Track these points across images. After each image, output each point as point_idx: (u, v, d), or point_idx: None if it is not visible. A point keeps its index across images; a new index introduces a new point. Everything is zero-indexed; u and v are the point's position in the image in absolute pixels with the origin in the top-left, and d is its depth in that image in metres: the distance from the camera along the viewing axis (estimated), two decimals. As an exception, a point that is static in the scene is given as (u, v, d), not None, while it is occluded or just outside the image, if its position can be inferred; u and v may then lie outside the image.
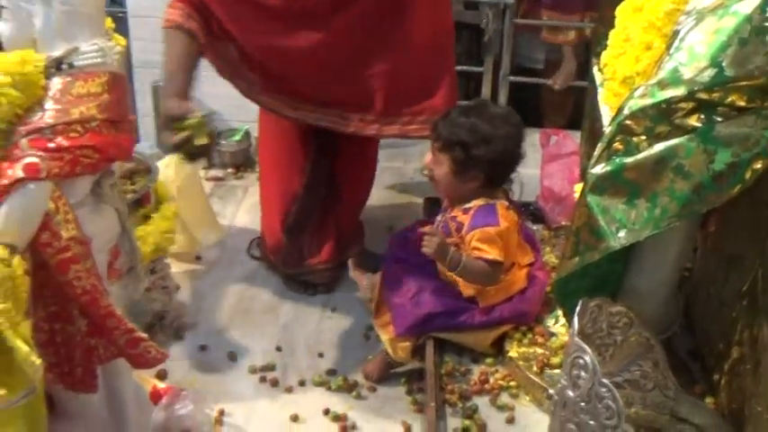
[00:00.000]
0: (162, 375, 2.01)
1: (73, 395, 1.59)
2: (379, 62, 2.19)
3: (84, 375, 1.54)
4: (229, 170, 3.16)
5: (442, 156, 2.02)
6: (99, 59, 1.47)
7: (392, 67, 2.19)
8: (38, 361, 1.26)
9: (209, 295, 2.40)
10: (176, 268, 2.42)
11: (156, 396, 1.83)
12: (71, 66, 1.44)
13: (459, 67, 2.63)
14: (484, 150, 1.97)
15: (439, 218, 2.14)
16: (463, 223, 2.02)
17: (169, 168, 2.46)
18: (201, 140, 1.92)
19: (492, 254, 1.97)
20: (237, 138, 3.17)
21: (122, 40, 1.60)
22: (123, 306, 1.74)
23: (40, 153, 1.36)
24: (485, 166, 1.99)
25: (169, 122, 1.95)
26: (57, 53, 1.44)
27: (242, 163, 3.18)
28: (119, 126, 1.48)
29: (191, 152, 1.97)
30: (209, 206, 2.64)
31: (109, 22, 1.58)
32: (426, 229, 2.03)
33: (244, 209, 2.89)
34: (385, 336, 2.07)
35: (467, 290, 2.05)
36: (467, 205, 2.04)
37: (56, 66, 1.43)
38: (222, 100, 3.13)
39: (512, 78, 3.52)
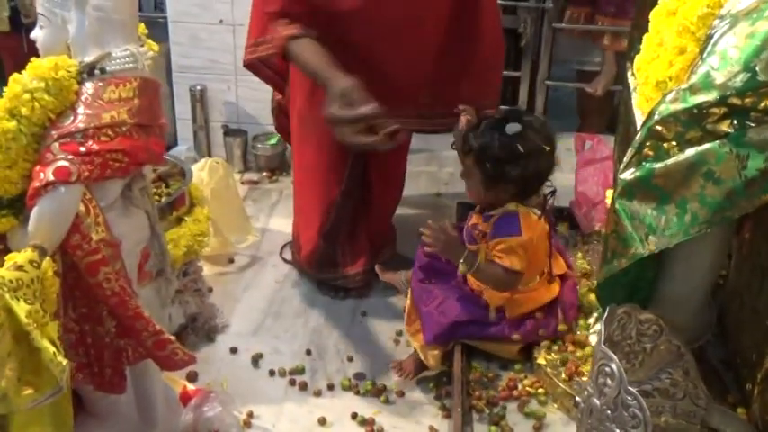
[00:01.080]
0: (192, 377, 2.03)
1: (102, 395, 1.62)
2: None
3: (112, 376, 1.57)
4: (264, 174, 3.19)
5: (471, 167, 1.98)
6: (131, 65, 1.49)
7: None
8: (64, 361, 1.29)
9: (241, 298, 2.43)
10: (209, 271, 2.45)
11: (185, 398, 1.85)
12: (103, 71, 1.47)
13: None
14: (516, 167, 1.92)
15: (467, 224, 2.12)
16: (486, 232, 2.00)
17: (203, 171, 2.50)
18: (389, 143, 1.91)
19: (510, 262, 1.94)
20: (273, 142, 3.20)
21: (155, 46, 1.62)
22: (159, 307, 1.77)
23: (71, 157, 1.39)
24: (517, 181, 1.95)
25: (341, 103, 1.90)
26: (89, 58, 1.47)
27: (277, 167, 3.21)
28: (149, 130, 1.50)
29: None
30: (242, 209, 2.67)
31: (142, 28, 1.60)
32: (431, 224, 1.99)
33: (278, 212, 2.92)
34: (416, 343, 2.07)
35: (493, 300, 2.03)
36: (488, 212, 2.01)
37: (88, 71, 1.46)
38: (258, 104, 3.19)
39: (549, 83, 3.51)
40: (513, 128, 1.91)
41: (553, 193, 2.08)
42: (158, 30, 2.97)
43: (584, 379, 1.91)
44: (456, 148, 2.14)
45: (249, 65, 2.47)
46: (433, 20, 2.25)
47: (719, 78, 1.51)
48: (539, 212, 2.01)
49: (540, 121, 2.03)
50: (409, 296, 2.15)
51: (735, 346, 1.94)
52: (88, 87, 1.45)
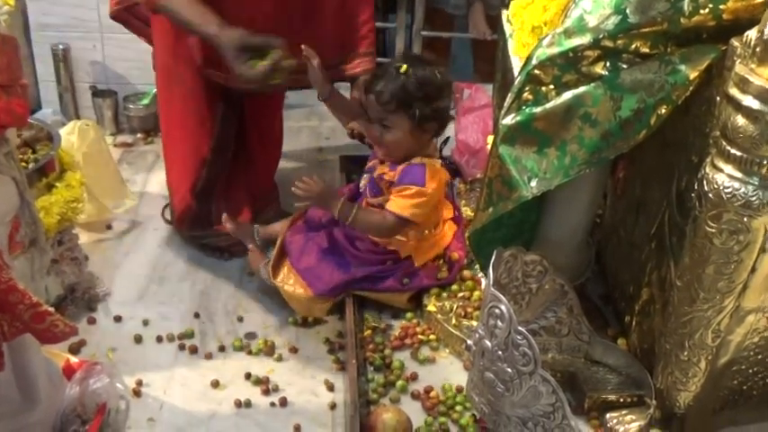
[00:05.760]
0: (75, 349, 1.95)
1: (-23, 375, 1.53)
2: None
3: (-13, 354, 1.48)
4: (138, 135, 3.07)
5: (395, 117, 1.93)
6: (-16, 20, 1.39)
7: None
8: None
9: (123, 264, 2.34)
10: (86, 238, 2.35)
11: (69, 371, 1.76)
12: (-47, 28, 1.35)
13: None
14: (441, 99, 1.94)
15: (365, 176, 2.11)
16: (392, 180, 1.99)
17: (73, 135, 2.37)
18: (290, 61, 1.93)
19: (399, 209, 1.95)
20: (146, 101, 3.07)
21: (11, 0, 1.51)
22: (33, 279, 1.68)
23: (-77, 122, 1.28)
24: (442, 115, 1.96)
25: (241, 55, 1.88)
26: (-64, 15, 1.35)
27: (152, 128, 3.08)
28: (10, 91, 1.40)
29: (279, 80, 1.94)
30: (117, 172, 2.56)
31: (-6, -19, 1.49)
32: (305, 178, 1.98)
33: (155, 174, 2.82)
34: (302, 291, 2.04)
35: (404, 250, 2.05)
36: (395, 164, 2.01)
37: (-64, 28, 1.35)
38: (127, 63, 3.05)
39: (425, 33, 3.51)
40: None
41: (447, 141, 2.10)
42: (12, -15, 2.78)
43: (473, 323, 1.95)
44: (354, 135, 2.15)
45: (116, 16, 2.35)
46: None
47: (592, 21, 1.54)
48: (439, 161, 2.04)
49: (427, 56, 2.06)
50: (278, 247, 2.13)
51: (613, 281, 2.03)
52: (-62, 46, 1.33)
